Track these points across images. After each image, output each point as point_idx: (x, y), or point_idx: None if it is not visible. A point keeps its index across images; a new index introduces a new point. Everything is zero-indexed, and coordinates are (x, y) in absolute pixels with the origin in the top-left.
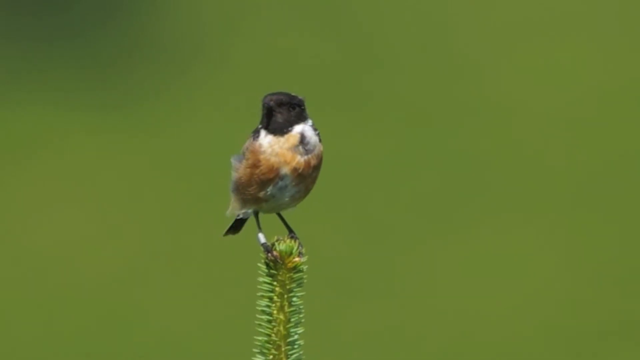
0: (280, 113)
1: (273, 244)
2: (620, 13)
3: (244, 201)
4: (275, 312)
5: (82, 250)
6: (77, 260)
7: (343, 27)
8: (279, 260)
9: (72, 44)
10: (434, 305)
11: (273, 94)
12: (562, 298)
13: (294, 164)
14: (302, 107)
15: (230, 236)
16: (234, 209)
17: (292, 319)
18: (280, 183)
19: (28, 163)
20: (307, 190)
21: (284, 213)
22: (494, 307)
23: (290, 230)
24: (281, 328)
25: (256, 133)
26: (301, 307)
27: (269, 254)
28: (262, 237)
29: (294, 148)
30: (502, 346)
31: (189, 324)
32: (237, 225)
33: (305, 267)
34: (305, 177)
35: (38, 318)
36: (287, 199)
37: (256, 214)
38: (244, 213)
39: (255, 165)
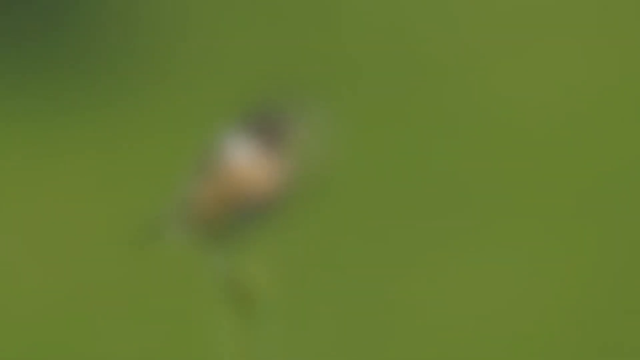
0: (277, 128)
1: (238, 266)
2: (617, 10)
3: (201, 228)
4: (239, 339)
5: (20, 278)
6: (14, 289)
7: (323, 27)
8: (245, 284)
9: (15, 46)
10: (423, 322)
11: (271, 102)
12: (550, 318)
13: (271, 183)
14: (292, 122)
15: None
16: (182, 231)
17: (259, 347)
18: (251, 205)
19: None
20: (277, 214)
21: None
22: (485, 323)
23: (248, 254)
24: (248, 356)
25: (227, 145)
26: (268, 333)
27: (232, 282)
28: (221, 262)
29: (279, 167)
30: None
31: (146, 350)
32: (155, 238)
33: (273, 291)
34: (283, 199)
35: None
36: (259, 221)
37: (211, 240)
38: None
39: (225, 183)
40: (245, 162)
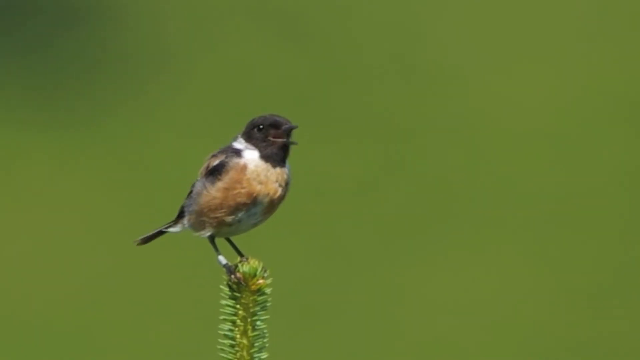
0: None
1: (236, 266)
2: (602, 29)
3: (205, 224)
4: (238, 336)
5: (37, 272)
6: (32, 281)
7: (313, 41)
8: (243, 282)
9: (24, 60)
10: (401, 327)
11: (288, 120)
12: (534, 316)
13: (271, 193)
14: (289, 132)
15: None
16: (195, 231)
17: (256, 344)
18: (253, 209)
19: None
20: (267, 219)
21: (233, 237)
22: (459, 328)
23: (241, 254)
24: (244, 353)
25: (235, 152)
26: (265, 331)
27: (232, 276)
28: (223, 259)
29: (278, 183)
30: None
31: (146, 349)
32: (154, 237)
33: (269, 290)
34: (275, 208)
35: None
36: (250, 226)
37: (212, 237)
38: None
39: (234, 186)
40: (248, 167)
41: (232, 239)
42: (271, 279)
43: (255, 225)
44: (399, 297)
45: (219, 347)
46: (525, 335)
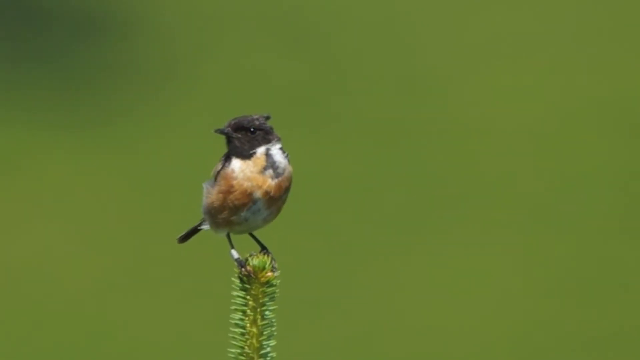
0: (238, 138)
1: (247, 259)
2: (584, 33)
3: (217, 224)
4: (248, 325)
5: (57, 266)
6: (53, 275)
7: (312, 47)
8: (252, 275)
9: (46, 65)
10: (398, 319)
11: (232, 119)
12: (523, 312)
13: (265, 187)
14: (265, 129)
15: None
16: (213, 230)
17: (265, 332)
18: (253, 207)
19: (3, 181)
20: (278, 212)
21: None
22: (456, 320)
23: (263, 247)
24: (254, 341)
25: (227, 158)
26: (273, 320)
27: (243, 269)
28: (235, 253)
29: (264, 171)
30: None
31: (163, 336)
32: (191, 234)
33: (277, 282)
34: (277, 200)
35: (14, 331)
36: (259, 222)
37: (228, 234)
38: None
39: (228, 191)
40: (235, 170)
41: (255, 234)
42: (280, 271)
43: (266, 220)
44: (397, 290)
45: (230, 335)
46: (519, 327)
